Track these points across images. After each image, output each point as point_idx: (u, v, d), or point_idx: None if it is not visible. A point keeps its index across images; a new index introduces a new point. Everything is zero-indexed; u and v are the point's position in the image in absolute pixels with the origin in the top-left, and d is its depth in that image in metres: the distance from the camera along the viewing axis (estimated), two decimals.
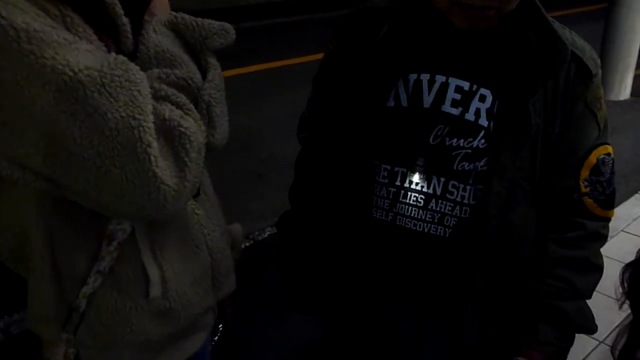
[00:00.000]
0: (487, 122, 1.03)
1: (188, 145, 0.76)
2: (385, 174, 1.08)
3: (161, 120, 0.75)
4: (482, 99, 1.03)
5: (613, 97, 5.49)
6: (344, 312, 1.28)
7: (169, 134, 0.75)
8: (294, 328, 2.29)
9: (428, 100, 1.04)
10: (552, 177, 1.06)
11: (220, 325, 1.20)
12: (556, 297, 1.07)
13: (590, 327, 1.09)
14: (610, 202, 1.08)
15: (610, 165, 1.06)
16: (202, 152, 0.80)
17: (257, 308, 2.40)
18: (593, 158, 1.04)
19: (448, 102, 1.04)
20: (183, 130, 0.76)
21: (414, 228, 1.07)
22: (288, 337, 2.33)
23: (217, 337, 1.21)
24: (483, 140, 1.03)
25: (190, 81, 0.82)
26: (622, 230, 3.17)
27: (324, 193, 1.19)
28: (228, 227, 1.12)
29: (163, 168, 0.74)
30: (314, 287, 1.29)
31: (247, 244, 3.00)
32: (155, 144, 0.73)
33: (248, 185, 3.50)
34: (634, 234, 3.13)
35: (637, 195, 3.60)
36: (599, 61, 1.05)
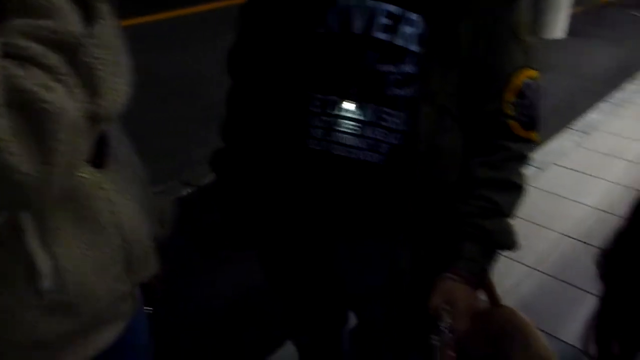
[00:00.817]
0: (417, 48, 1.03)
1: (53, 125, 0.60)
2: (318, 103, 1.07)
3: (16, 92, 0.58)
4: (413, 24, 1.03)
5: (549, 35, 5.62)
6: (281, 245, 1.30)
7: (27, 109, 0.59)
8: (236, 274, 2.32)
9: (358, 25, 1.03)
10: (478, 101, 1.07)
11: (150, 308, 1.09)
12: (479, 216, 1.11)
13: (511, 244, 1.14)
14: (533, 125, 1.11)
15: (535, 89, 1.09)
16: (80, 129, 0.64)
17: (197, 256, 2.40)
18: (518, 81, 1.07)
19: (378, 27, 1.03)
20: (45, 106, 0.60)
21: (349, 156, 1.08)
22: (230, 283, 2.35)
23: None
24: (413, 66, 1.04)
25: (66, 36, 0.63)
26: (553, 164, 3.32)
27: (257, 127, 1.18)
28: (155, 200, 0.99)
29: (17, 153, 0.59)
30: (250, 221, 1.30)
31: (190, 190, 2.98)
32: (3, 123, 0.58)
33: (192, 130, 3.44)
34: (564, 167, 3.28)
35: (570, 130, 3.75)
36: None
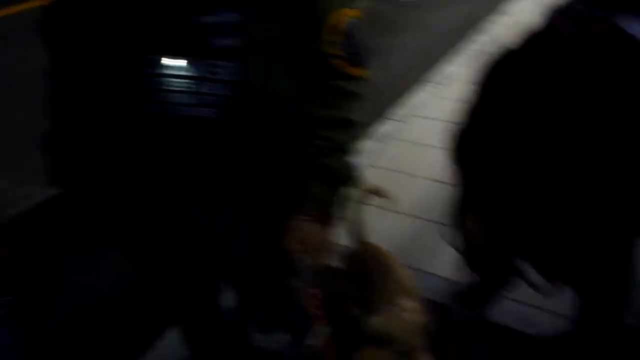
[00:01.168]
0: None
1: None
2: (143, 63, 1.04)
3: None
4: None
5: None
6: (137, 218, 1.25)
7: None
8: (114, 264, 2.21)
9: None
10: (305, 45, 1.09)
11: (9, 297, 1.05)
12: (320, 155, 1.14)
13: (349, 179, 1.18)
14: (361, 62, 1.14)
15: (357, 27, 1.12)
16: None
17: (62, 253, 2.27)
18: (338, 22, 1.09)
19: None
20: None
21: (183, 114, 1.05)
22: (109, 272, 2.25)
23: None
24: (235, 15, 1.02)
25: None
26: (415, 116, 3.48)
27: (87, 98, 1.12)
28: None
29: None
30: (101, 201, 1.23)
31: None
32: None
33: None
34: (425, 117, 3.45)
35: (428, 83, 3.94)
36: None
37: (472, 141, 1.28)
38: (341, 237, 1.48)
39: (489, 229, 1.28)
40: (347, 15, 1.10)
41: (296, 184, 1.15)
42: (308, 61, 1.10)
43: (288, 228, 1.14)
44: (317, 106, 1.13)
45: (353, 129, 1.17)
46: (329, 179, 1.14)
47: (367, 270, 1.40)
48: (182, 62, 1.04)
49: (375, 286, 1.35)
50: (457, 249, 1.32)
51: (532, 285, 1.36)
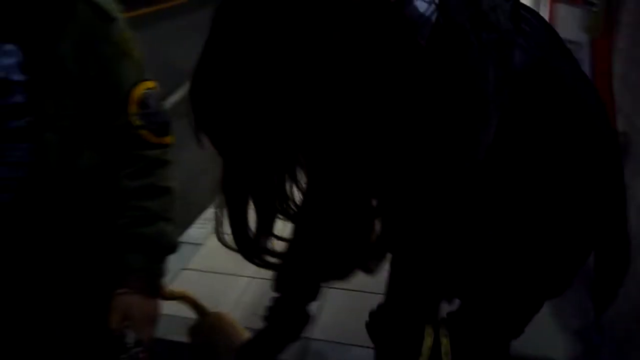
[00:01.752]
0: (22, 76, 1.02)
1: None
2: None
3: None
4: (10, 54, 1.02)
5: None
6: None
7: None
8: None
9: None
10: (106, 118, 1.11)
11: None
12: (136, 225, 1.14)
13: (173, 246, 1.19)
14: (163, 130, 1.18)
15: (155, 97, 1.17)
16: None
17: None
18: (136, 94, 1.13)
19: None
20: None
21: None
22: None
23: None
24: (23, 95, 1.02)
25: None
26: None
27: None
28: None
29: None
30: None
31: None
32: None
33: None
34: None
35: None
36: (117, 6, 1.13)
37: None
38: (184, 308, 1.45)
39: None
40: (146, 87, 1.15)
41: (113, 258, 1.13)
42: (113, 133, 1.12)
43: (112, 305, 1.12)
44: (128, 176, 1.15)
45: (170, 196, 1.19)
46: (150, 248, 1.14)
47: (211, 341, 1.38)
48: None
49: (221, 357, 1.33)
50: None
51: None
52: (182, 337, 1.48)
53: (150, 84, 1.16)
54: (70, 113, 1.06)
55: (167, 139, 1.19)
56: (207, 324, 1.46)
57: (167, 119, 1.20)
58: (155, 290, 1.17)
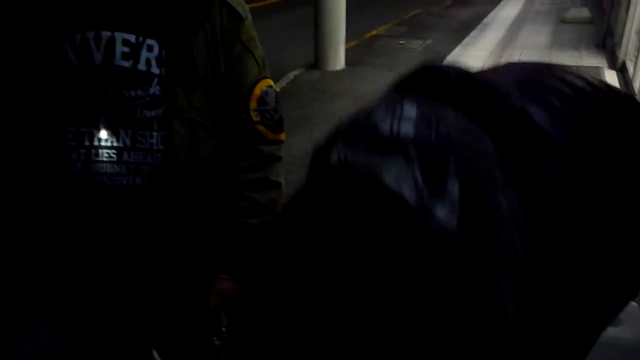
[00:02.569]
0: (158, 70, 1.11)
1: None
2: (72, 136, 1.09)
3: None
4: (150, 48, 1.10)
5: (330, 67, 6.17)
6: (65, 293, 1.26)
7: None
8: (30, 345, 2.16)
9: (98, 56, 1.08)
10: (227, 113, 1.19)
11: None
12: (244, 215, 1.21)
13: None
14: (279, 127, 1.25)
15: (274, 95, 1.23)
16: None
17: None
18: (257, 90, 1.19)
19: (118, 55, 1.09)
20: None
21: (112, 184, 1.11)
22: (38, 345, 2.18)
23: None
24: (158, 87, 1.11)
25: None
26: None
27: (12, 169, 1.16)
28: None
29: None
30: (29, 274, 1.25)
31: None
32: None
33: None
34: None
35: None
36: (247, 6, 1.21)
37: None
38: None
39: None
40: (265, 85, 1.21)
41: (219, 244, 1.20)
42: (232, 127, 1.19)
43: (212, 288, 1.19)
44: (242, 169, 1.21)
45: (278, 190, 1.25)
46: (249, 237, 1.20)
47: None
48: (105, 133, 1.10)
49: None
50: None
51: None
52: None
53: (269, 82, 1.23)
54: (198, 106, 1.14)
55: (282, 136, 1.25)
56: None
57: (281, 116, 1.26)
58: None
